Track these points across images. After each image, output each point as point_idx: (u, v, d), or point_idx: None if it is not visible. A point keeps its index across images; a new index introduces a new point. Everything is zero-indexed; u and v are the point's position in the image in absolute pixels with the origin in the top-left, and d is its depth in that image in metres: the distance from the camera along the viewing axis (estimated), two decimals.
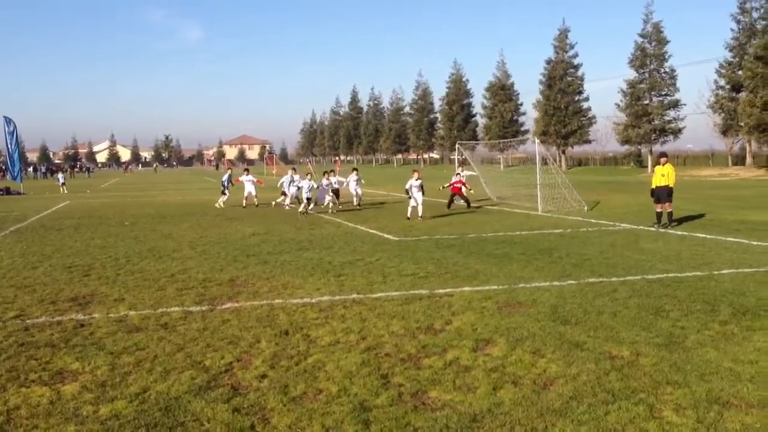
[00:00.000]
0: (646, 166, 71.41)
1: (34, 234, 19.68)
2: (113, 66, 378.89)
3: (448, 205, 26.32)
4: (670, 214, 18.67)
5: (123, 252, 15.41)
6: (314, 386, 6.25)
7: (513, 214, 23.91)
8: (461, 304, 9.45)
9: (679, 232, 17.27)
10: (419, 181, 22.54)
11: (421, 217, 22.09)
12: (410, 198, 22.56)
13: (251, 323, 8.58)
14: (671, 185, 18.67)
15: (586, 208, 24.68)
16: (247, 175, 30.64)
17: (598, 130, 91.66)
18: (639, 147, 76.19)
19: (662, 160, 19.43)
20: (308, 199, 25.50)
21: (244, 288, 10.92)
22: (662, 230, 17.87)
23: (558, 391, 5.98)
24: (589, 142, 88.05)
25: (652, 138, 71.00)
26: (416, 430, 5.21)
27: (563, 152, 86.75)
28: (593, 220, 20.81)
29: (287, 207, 27.69)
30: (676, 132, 71.37)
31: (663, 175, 18.85)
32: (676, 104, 70.91)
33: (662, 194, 18.71)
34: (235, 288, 10.94)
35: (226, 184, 30.20)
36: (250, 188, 30.00)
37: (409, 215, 22.29)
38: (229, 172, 31.65)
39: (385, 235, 17.85)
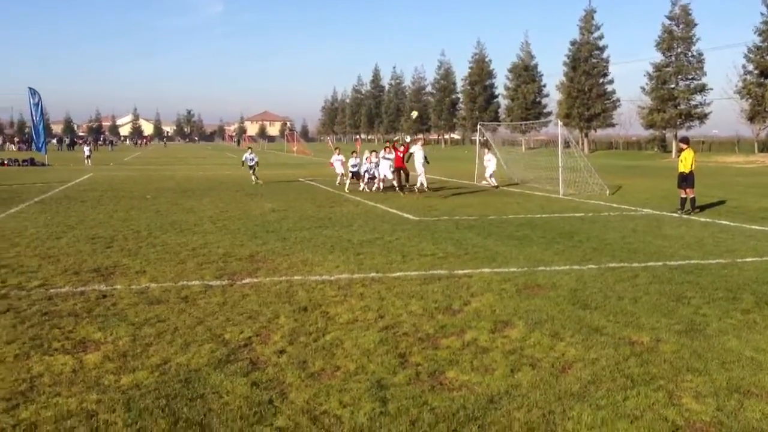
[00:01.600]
0: (670, 151, 70.59)
1: (58, 205, 19.90)
2: (136, 40, 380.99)
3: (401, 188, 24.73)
4: (692, 200, 18.48)
5: (145, 225, 15.54)
6: (332, 363, 6.29)
7: (534, 196, 23.77)
8: (480, 285, 9.43)
9: (703, 219, 17.08)
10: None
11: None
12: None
13: (270, 299, 8.64)
14: (685, 171, 18.54)
15: (608, 192, 24.47)
16: (338, 154, 29.20)
17: (622, 113, 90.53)
18: (663, 131, 75.19)
19: (682, 145, 19.30)
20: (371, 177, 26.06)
21: (263, 264, 10.98)
22: (685, 216, 17.69)
23: (576, 375, 5.96)
24: (612, 125, 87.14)
25: (677, 123, 70.07)
26: (433, 410, 5.22)
27: (586, 135, 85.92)
28: (615, 205, 20.64)
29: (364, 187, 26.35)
30: (702, 117, 70.35)
31: (681, 161, 18.80)
32: (702, 89, 69.81)
33: (680, 180, 18.64)
34: (255, 263, 10.99)
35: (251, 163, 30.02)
36: (340, 169, 28.64)
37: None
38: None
39: (405, 215, 17.83)
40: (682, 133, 68.09)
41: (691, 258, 11.54)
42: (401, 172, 24.39)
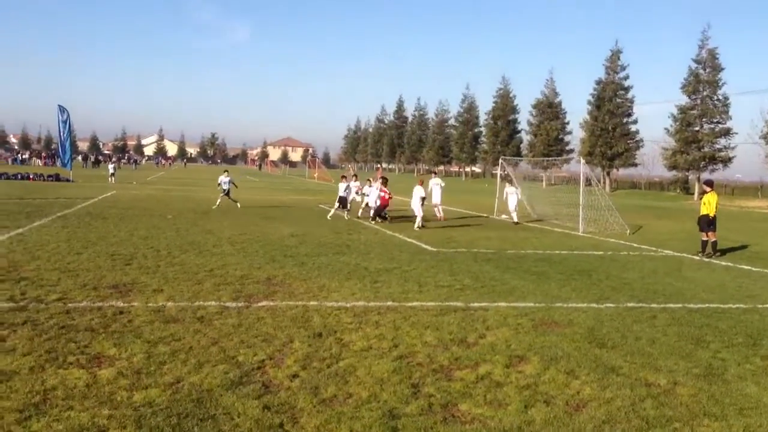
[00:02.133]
0: (693, 193, 70.06)
1: (80, 221, 20.12)
2: (163, 62, 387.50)
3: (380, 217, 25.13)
4: (713, 243, 18.29)
5: (164, 244, 15.65)
6: (345, 390, 6.26)
7: (553, 232, 23.66)
8: (496, 319, 9.37)
9: (724, 263, 16.89)
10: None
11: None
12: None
13: (285, 323, 8.64)
14: (710, 214, 18.39)
15: (628, 231, 24.29)
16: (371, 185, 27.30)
17: (645, 153, 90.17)
18: (686, 173, 74.74)
19: (705, 188, 19.20)
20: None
21: (280, 287, 11.00)
22: (705, 259, 17.51)
23: (591, 413, 5.89)
24: (635, 165, 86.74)
25: (701, 165, 69.64)
26: None
27: (608, 174, 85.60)
28: (635, 245, 20.47)
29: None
30: (726, 161, 69.87)
31: (704, 204, 18.71)
32: (727, 132, 69.45)
33: (702, 223, 18.52)
34: (272, 287, 11.02)
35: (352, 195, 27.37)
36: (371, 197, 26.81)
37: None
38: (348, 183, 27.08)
39: (423, 245, 17.81)
40: (705, 175, 67.68)
41: (712, 301, 11.40)
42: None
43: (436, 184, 26.94)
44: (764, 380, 7.06)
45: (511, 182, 30.03)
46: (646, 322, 9.54)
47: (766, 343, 8.58)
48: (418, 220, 22.85)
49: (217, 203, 28.09)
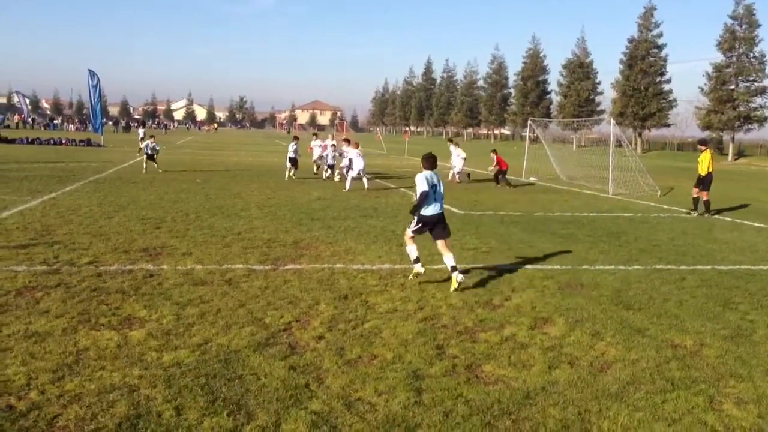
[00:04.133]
0: (727, 154, 68.72)
1: (111, 185, 20.41)
2: (192, 28, 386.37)
3: (497, 181, 25.74)
4: (705, 203, 18.44)
5: (193, 208, 15.83)
6: (369, 351, 6.33)
7: (582, 194, 23.43)
8: (522, 281, 9.36)
9: (757, 224, 16.62)
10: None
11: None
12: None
13: (312, 285, 8.73)
14: (701, 173, 18.48)
15: (659, 193, 23.97)
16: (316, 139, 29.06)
17: (678, 114, 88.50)
18: (721, 133, 73.16)
19: (700, 147, 19.22)
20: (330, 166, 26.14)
21: (306, 251, 11.09)
22: (695, 215, 17.96)
23: (615, 375, 5.89)
24: (667, 125, 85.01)
25: (735, 125, 68.08)
26: (468, 402, 5.22)
27: (640, 135, 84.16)
28: (665, 206, 20.22)
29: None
30: (762, 120, 68.07)
31: (699, 163, 18.77)
32: (763, 91, 67.55)
33: (697, 181, 18.75)
34: (299, 250, 11.11)
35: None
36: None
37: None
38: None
39: (451, 208, 17.75)
40: (740, 136, 66.32)
41: (742, 263, 11.25)
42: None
43: (456, 155, 26.79)
44: None
45: (457, 144, 28.51)
46: (674, 284, 9.46)
47: None
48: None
49: (144, 169, 26.28)
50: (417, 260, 9.13)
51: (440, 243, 9.08)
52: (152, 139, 28.10)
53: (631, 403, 5.30)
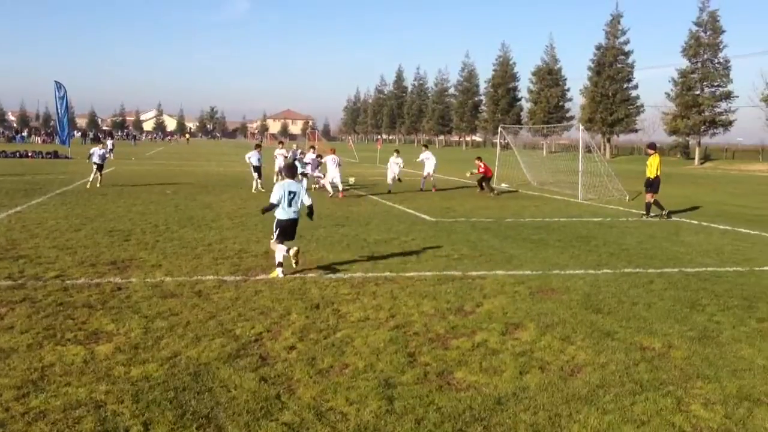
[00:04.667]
0: (693, 158, 69.83)
1: (78, 197, 20.12)
2: (161, 37, 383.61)
3: (481, 188, 26.06)
4: (647, 204, 18.90)
5: (163, 219, 15.67)
6: (341, 360, 6.31)
7: (553, 200, 23.65)
8: (493, 287, 9.41)
9: (722, 227, 16.90)
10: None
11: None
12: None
13: (283, 295, 8.68)
14: (650, 176, 18.94)
15: (627, 197, 24.28)
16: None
17: (645, 119, 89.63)
18: (687, 138, 74.33)
19: (649, 151, 19.96)
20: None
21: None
22: (648, 219, 18.28)
23: (585, 378, 5.94)
24: (635, 131, 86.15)
25: (701, 129, 69.27)
26: (439, 409, 5.22)
27: (608, 140, 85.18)
28: (634, 210, 20.48)
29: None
30: (727, 124, 69.37)
31: (647, 166, 19.23)
32: (728, 96, 68.85)
33: (645, 184, 19.17)
34: (270, 260, 10.99)
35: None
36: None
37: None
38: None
39: (422, 216, 17.82)
40: (706, 140, 67.47)
41: (708, 265, 11.43)
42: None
43: (394, 162, 26.88)
44: (758, 342, 7.10)
45: (398, 153, 28.44)
46: (642, 287, 9.58)
47: (762, 306, 8.61)
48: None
49: (91, 182, 24.64)
50: (280, 264, 9.84)
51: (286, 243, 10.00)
52: (100, 147, 26.34)
53: (601, 405, 5.34)
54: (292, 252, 9.79)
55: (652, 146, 20.36)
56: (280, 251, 9.87)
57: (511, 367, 6.18)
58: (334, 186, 23.31)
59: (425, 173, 27.26)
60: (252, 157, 25.36)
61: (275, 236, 10.00)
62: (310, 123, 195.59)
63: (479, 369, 6.15)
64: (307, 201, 10.21)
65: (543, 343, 6.92)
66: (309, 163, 25.31)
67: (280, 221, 9.95)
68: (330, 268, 10.50)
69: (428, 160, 27.28)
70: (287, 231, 10.03)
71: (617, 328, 7.49)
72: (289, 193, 9.93)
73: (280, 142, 32.06)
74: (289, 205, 9.94)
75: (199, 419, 4.97)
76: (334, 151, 24.22)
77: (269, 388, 5.59)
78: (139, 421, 4.89)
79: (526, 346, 6.85)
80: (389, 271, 10.32)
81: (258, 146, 26.23)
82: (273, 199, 9.95)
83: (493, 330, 7.34)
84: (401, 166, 27.23)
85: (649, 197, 18.90)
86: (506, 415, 5.15)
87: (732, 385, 5.81)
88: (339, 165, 23.45)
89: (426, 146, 29.88)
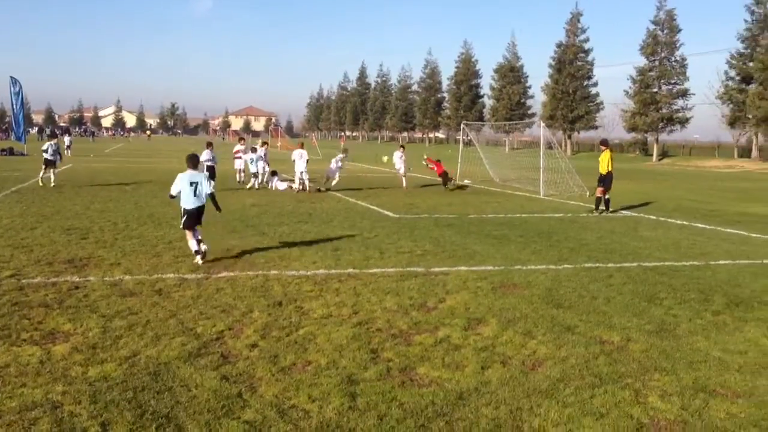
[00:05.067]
0: (651, 155, 71.12)
1: (34, 195, 19.69)
2: (121, 32, 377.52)
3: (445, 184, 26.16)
4: (597, 199, 19.37)
5: (122, 217, 15.42)
6: (303, 357, 6.28)
7: (515, 196, 23.86)
8: (456, 283, 9.45)
9: (679, 222, 17.23)
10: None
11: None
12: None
13: (245, 293, 8.60)
14: (602, 172, 19.27)
15: (588, 193, 24.59)
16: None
17: (605, 116, 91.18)
18: (645, 135, 75.73)
19: (601, 147, 20.46)
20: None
21: (240, 258, 10.93)
22: (596, 215, 18.57)
23: (546, 372, 6.00)
24: (595, 128, 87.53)
25: (659, 126, 70.63)
26: (402, 405, 5.23)
27: (569, 137, 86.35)
28: (594, 206, 20.72)
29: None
30: (684, 121, 70.93)
31: (599, 162, 19.55)
32: (684, 93, 70.42)
33: (598, 180, 19.48)
34: (232, 257, 10.94)
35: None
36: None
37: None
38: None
39: (385, 212, 17.84)
40: (664, 137, 68.75)
41: (666, 260, 11.65)
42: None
43: (336, 159, 26.51)
44: (714, 334, 7.26)
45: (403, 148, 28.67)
46: (602, 282, 9.72)
47: (717, 299, 8.80)
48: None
49: (50, 180, 23.13)
50: (197, 252, 10.32)
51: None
52: (54, 143, 23.92)
53: (561, 399, 5.40)
54: (203, 247, 10.37)
55: (604, 143, 20.93)
56: (192, 241, 10.44)
57: (473, 362, 6.22)
58: (300, 181, 23.32)
59: (401, 172, 26.99)
60: (204, 156, 24.62)
61: (182, 222, 10.65)
62: (273, 120, 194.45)
63: (442, 364, 6.17)
64: (208, 189, 10.75)
65: (505, 338, 6.97)
66: (262, 158, 25.22)
67: (185, 210, 10.55)
68: (292, 265, 10.45)
69: (400, 159, 27.15)
70: (192, 217, 10.58)
71: (577, 323, 7.59)
72: (191, 183, 10.56)
73: (241, 139, 31.70)
74: (195, 194, 10.57)
75: (158, 419, 4.90)
76: (302, 146, 24.31)
77: (231, 386, 5.54)
78: (97, 422, 4.81)
79: (488, 341, 6.89)
80: (352, 268, 10.30)
81: (209, 144, 24.62)
82: (173, 191, 10.75)
83: (455, 325, 7.38)
84: (339, 165, 26.03)
85: (599, 192, 19.23)
86: (468, 410, 5.18)
87: (688, 377, 5.93)
88: (306, 160, 23.40)
89: (403, 147, 29.70)
